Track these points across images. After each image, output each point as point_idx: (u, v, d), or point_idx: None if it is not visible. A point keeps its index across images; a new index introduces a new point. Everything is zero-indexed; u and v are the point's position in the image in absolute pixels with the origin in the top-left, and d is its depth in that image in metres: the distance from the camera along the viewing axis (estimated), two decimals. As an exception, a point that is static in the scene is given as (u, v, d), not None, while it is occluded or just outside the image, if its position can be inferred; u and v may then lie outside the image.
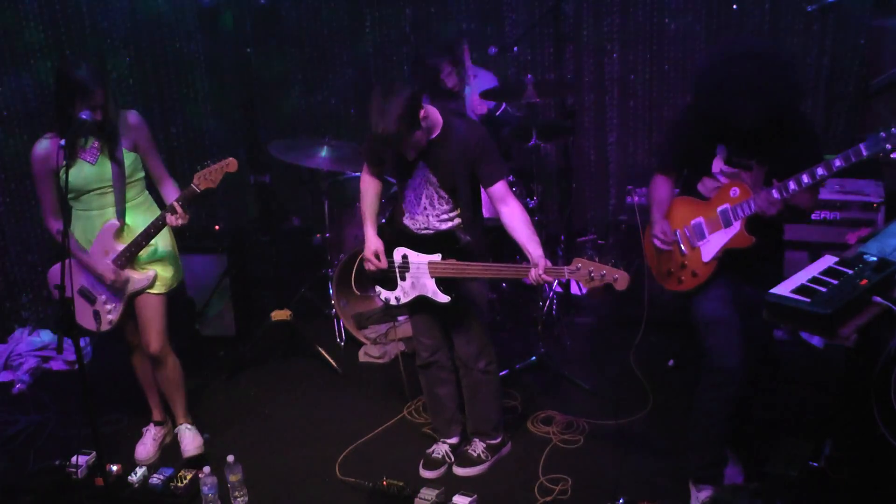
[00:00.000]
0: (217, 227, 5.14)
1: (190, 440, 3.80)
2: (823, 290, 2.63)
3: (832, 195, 4.28)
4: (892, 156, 2.73)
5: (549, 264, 3.01)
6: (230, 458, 3.40)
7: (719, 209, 3.06)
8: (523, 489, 3.41)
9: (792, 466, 3.29)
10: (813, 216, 4.28)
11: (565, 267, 2.97)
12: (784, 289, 2.69)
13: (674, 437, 3.61)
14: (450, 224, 3.31)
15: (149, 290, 3.60)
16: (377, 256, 3.36)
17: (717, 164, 3.08)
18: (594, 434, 3.74)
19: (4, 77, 4.74)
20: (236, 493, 3.41)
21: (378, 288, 3.44)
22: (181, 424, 3.85)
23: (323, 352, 4.53)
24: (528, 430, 3.82)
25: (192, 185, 3.41)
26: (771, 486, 3.22)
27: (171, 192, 3.64)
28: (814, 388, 3.89)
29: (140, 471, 3.61)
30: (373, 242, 3.38)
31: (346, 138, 5.19)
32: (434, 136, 3.18)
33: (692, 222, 3.13)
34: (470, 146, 3.16)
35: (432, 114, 3.18)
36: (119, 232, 3.54)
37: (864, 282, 2.63)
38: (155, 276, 3.60)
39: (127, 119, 3.52)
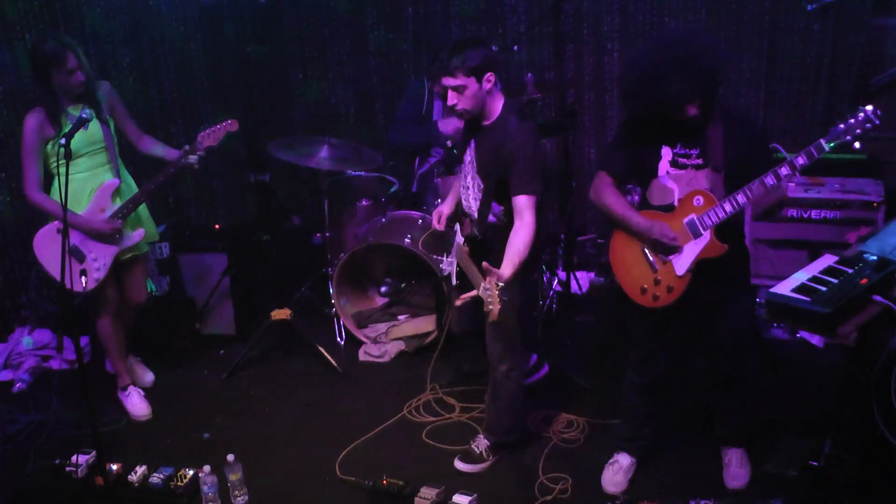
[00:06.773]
0: (217, 227, 5.14)
1: (144, 371, 4.41)
2: (823, 288, 2.64)
3: (832, 194, 4.27)
4: (855, 145, 2.71)
5: (501, 281, 2.83)
6: (230, 458, 3.40)
7: (685, 220, 2.97)
8: (523, 488, 3.41)
9: (792, 466, 3.30)
10: (813, 215, 4.30)
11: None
12: (784, 288, 2.69)
13: (673, 436, 3.61)
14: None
15: (137, 252, 4.00)
16: (440, 218, 3.57)
17: (664, 167, 3.01)
18: (594, 433, 3.74)
19: (4, 75, 4.74)
20: (236, 492, 3.41)
21: (444, 255, 3.61)
22: (131, 358, 4.36)
23: (323, 351, 4.52)
24: (528, 430, 3.81)
25: (196, 141, 3.83)
26: (771, 486, 3.23)
27: (151, 144, 4.05)
28: (814, 388, 3.89)
29: (140, 469, 3.61)
30: (444, 206, 3.59)
31: (346, 138, 5.19)
32: (487, 122, 3.25)
33: None
34: (505, 148, 3.13)
35: (497, 100, 3.22)
36: (117, 190, 3.88)
37: (864, 281, 2.64)
38: (144, 234, 3.97)
39: (102, 88, 3.87)
